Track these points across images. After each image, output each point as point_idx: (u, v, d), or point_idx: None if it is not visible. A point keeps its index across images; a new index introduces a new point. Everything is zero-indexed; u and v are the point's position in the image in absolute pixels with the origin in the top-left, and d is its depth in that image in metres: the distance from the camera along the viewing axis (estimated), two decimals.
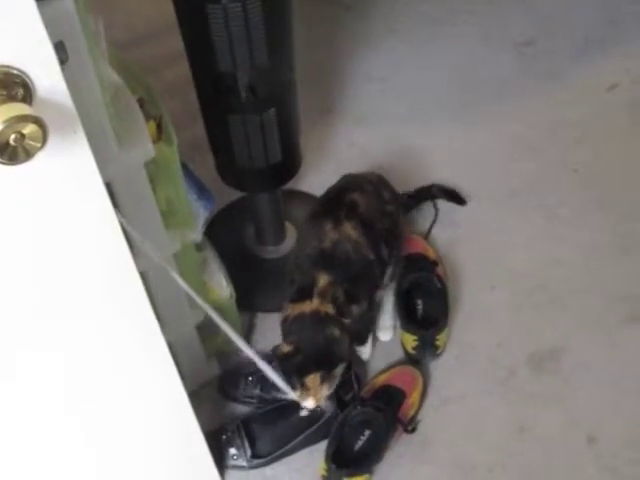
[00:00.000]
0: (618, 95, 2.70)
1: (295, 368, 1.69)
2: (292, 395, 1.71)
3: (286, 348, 1.71)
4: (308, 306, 1.74)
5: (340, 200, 1.92)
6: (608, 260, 2.23)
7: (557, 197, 2.39)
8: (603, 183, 2.42)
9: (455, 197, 2.35)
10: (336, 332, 1.73)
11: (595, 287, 2.16)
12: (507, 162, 2.51)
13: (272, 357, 1.74)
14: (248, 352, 1.57)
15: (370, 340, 2.02)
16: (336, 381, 1.74)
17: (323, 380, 1.69)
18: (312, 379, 1.69)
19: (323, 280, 1.76)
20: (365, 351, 2.03)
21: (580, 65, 2.81)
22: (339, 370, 1.73)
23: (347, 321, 1.75)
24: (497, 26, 2.98)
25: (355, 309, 1.80)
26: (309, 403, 1.71)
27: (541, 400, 1.96)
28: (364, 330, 2.00)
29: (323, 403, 1.75)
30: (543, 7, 3.04)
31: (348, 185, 2.00)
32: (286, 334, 1.77)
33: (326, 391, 1.72)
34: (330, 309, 1.74)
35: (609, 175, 2.45)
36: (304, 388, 1.69)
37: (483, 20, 3.01)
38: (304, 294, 1.76)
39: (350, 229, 1.84)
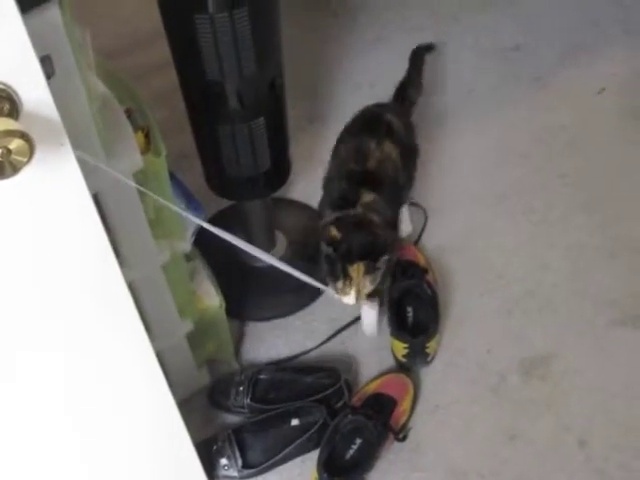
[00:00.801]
0: (606, 99, 2.71)
1: (340, 256, 1.73)
2: (329, 290, 1.78)
3: (334, 232, 1.75)
4: (352, 211, 1.82)
5: (379, 119, 2.08)
6: (596, 264, 2.23)
7: (545, 202, 2.40)
8: (591, 187, 2.43)
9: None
10: (380, 230, 1.80)
11: (584, 291, 2.17)
12: (495, 167, 2.51)
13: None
14: (267, 258, 1.61)
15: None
16: (378, 277, 1.78)
17: (367, 271, 1.73)
18: (356, 268, 1.73)
19: (367, 197, 1.85)
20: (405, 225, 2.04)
21: (567, 70, 2.82)
22: (382, 264, 1.76)
23: (391, 236, 1.84)
24: (484, 32, 2.99)
25: (392, 222, 1.92)
26: (350, 297, 1.72)
27: (532, 406, 1.96)
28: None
29: (363, 300, 1.80)
30: (530, 13, 3.05)
31: (382, 107, 2.18)
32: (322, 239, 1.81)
33: (368, 285, 1.75)
34: (375, 217, 1.82)
35: (597, 179, 2.46)
36: (347, 278, 1.72)
37: (470, 26, 3.02)
38: (348, 203, 1.84)
39: (391, 148, 1.98)
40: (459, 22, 3.04)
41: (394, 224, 1.88)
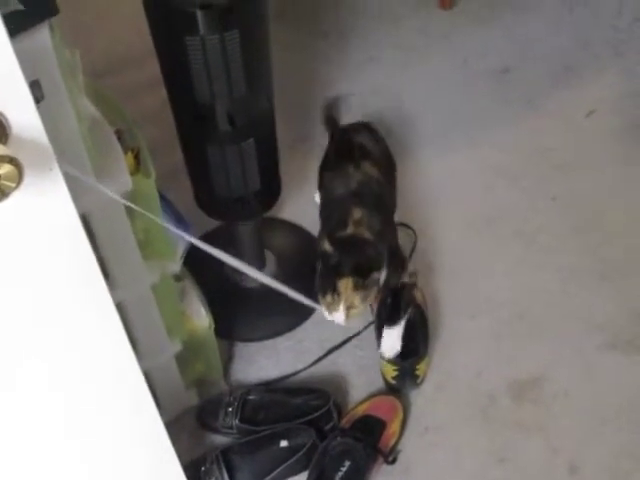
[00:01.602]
0: (596, 121, 2.72)
1: (329, 269, 1.75)
2: (318, 306, 1.77)
3: (327, 246, 1.76)
4: (344, 232, 1.84)
5: (350, 143, 2.11)
6: (587, 287, 2.23)
7: (535, 224, 2.40)
8: (581, 210, 2.43)
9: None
10: (372, 248, 1.81)
11: (574, 314, 2.17)
12: (485, 190, 2.51)
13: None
14: (258, 275, 1.64)
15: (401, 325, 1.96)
16: (370, 295, 1.77)
17: (356, 287, 1.72)
18: (344, 283, 1.73)
19: (357, 213, 1.86)
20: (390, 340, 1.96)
21: (557, 92, 2.82)
22: (372, 281, 1.75)
23: (383, 247, 1.83)
24: (474, 53, 2.99)
25: (388, 236, 1.91)
26: (339, 314, 1.72)
27: (522, 429, 1.95)
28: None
29: (352, 319, 1.78)
30: (520, 35, 3.06)
31: (350, 130, 2.22)
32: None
33: (358, 302, 1.75)
34: (366, 234, 1.83)
35: (587, 202, 2.46)
36: (336, 293, 1.72)
37: (460, 48, 3.02)
38: (340, 225, 1.86)
39: (371, 168, 2.01)
40: (450, 43, 3.05)
41: (385, 238, 1.88)
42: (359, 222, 1.85)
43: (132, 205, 1.34)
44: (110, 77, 2.47)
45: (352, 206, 1.88)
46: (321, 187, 2.12)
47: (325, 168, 2.14)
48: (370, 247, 1.81)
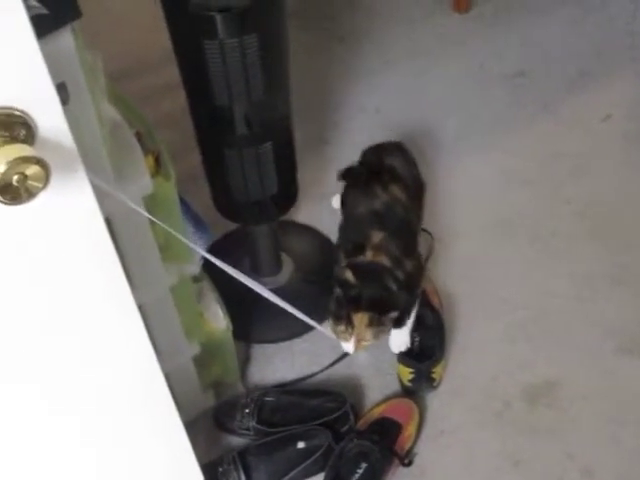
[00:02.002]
0: (611, 126, 2.72)
1: (348, 301, 1.73)
2: (330, 333, 1.78)
3: (349, 275, 1.75)
4: (362, 259, 1.82)
5: (381, 164, 2.07)
6: (602, 291, 2.23)
7: (550, 229, 2.40)
8: (596, 214, 2.43)
9: None
10: (391, 283, 1.79)
11: (589, 319, 2.16)
12: (500, 194, 2.52)
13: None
14: (266, 293, 1.62)
15: (408, 325, 1.95)
16: (383, 332, 1.77)
17: (371, 323, 1.72)
18: (360, 317, 1.73)
19: (376, 237, 1.84)
20: (399, 338, 1.96)
21: (573, 97, 2.83)
22: (388, 320, 1.75)
23: (401, 276, 1.81)
24: (490, 58, 3.00)
25: (408, 264, 1.87)
26: (349, 345, 1.72)
27: (536, 433, 1.95)
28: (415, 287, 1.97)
29: (361, 349, 1.79)
30: (536, 39, 3.06)
31: (382, 151, 2.16)
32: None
33: (370, 337, 1.75)
34: (386, 261, 1.80)
35: (602, 206, 2.46)
36: (349, 324, 1.72)
37: (475, 51, 3.03)
38: (358, 249, 1.84)
39: (397, 190, 1.97)
40: (465, 47, 3.06)
41: (405, 265, 1.87)
42: (378, 247, 1.84)
43: (144, 212, 1.35)
44: (128, 81, 2.47)
45: (372, 229, 1.88)
46: (344, 203, 2.10)
47: (352, 185, 2.11)
48: (390, 279, 1.81)
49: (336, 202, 2.13)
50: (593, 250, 2.33)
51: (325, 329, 1.76)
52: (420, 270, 1.98)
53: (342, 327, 1.72)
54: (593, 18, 3.14)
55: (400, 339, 1.95)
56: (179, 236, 1.39)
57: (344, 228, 2.01)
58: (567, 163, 2.59)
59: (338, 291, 1.76)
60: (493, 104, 2.83)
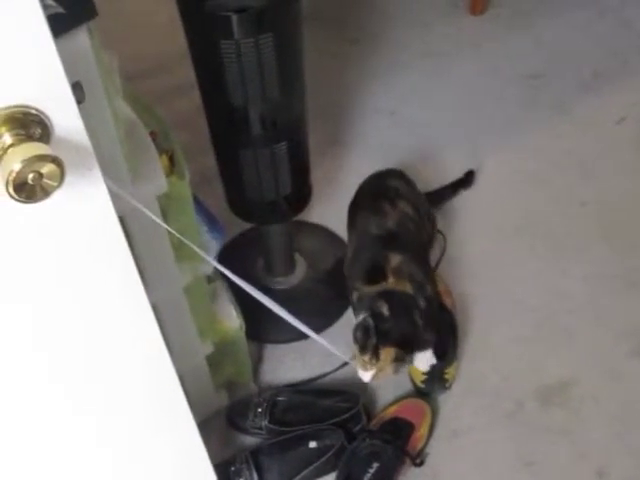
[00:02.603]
0: (626, 128, 2.72)
1: (380, 332, 1.71)
2: (351, 361, 1.76)
3: (385, 309, 1.73)
4: (384, 286, 1.79)
5: (385, 185, 2.07)
6: (614, 293, 2.23)
7: (564, 230, 2.40)
8: (610, 216, 2.43)
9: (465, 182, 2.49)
10: (418, 318, 1.78)
11: (602, 320, 2.16)
12: (514, 195, 2.52)
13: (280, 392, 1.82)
14: (294, 322, 1.59)
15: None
16: (402, 368, 1.77)
17: (396, 359, 1.71)
18: (387, 351, 1.71)
19: (395, 259, 1.83)
20: (425, 357, 1.93)
21: (588, 98, 2.82)
22: (411, 359, 1.75)
23: (423, 304, 1.79)
24: (504, 59, 3.00)
25: (428, 289, 1.86)
26: (367, 375, 1.72)
27: (549, 434, 1.95)
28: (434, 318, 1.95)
29: (374, 380, 1.77)
30: (550, 40, 3.06)
31: (383, 174, 2.15)
32: (363, 309, 1.79)
33: (390, 372, 1.74)
34: (409, 288, 1.79)
35: (616, 208, 2.46)
36: (375, 356, 1.70)
37: (490, 53, 3.03)
38: (378, 274, 1.82)
39: (406, 206, 1.97)
40: (480, 48, 3.06)
41: (425, 285, 1.87)
42: (398, 271, 1.83)
43: (151, 214, 1.35)
44: (142, 81, 2.49)
45: (389, 251, 1.87)
46: (353, 230, 2.07)
47: (356, 214, 2.08)
48: (416, 311, 1.79)
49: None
50: (607, 252, 2.33)
51: (323, 340, 1.75)
52: (436, 294, 1.97)
53: (367, 357, 1.71)
54: (608, 20, 3.13)
55: (425, 360, 1.94)
56: (184, 239, 1.40)
57: (357, 251, 1.98)
58: (581, 165, 2.59)
59: (370, 321, 1.73)
60: (508, 105, 2.83)
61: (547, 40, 3.07)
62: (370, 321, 1.73)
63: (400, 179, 2.14)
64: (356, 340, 1.74)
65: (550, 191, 2.52)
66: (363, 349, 1.71)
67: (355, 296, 1.86)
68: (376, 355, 1.70)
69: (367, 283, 1.84)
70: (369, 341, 1.71)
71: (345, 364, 2.07)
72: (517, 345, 2.13)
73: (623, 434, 1.94)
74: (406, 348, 1.73)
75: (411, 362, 1.78)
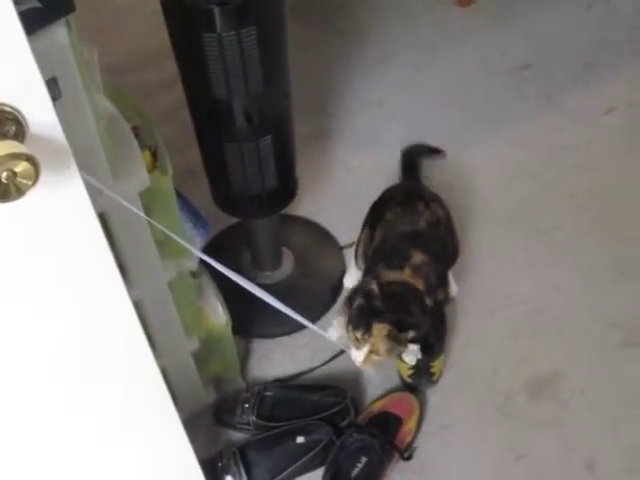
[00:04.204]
0: (615, 119, 2.71)
1: (371, 309, 1.71)
2: (324, 333, 1.77)
3: (374, 287, 1.72)
4: (399, 275, 1.79)
5: (422, 187, 2.12)
6: (605, 285, 2.22)
7: (554, 222, 2.39)
8: (600, 207, 2.43)
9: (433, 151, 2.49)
10: (417, 309, 1.77)
11: (592, 312, 2.16)
12: (504, 186, 2.51)
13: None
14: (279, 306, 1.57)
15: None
16: (395, 350, 1.75)
17: (389, 334, 1.70)
18: (380, 327, 1.69)
19: (417, 257, 1.82)
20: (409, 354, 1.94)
21: (577, 89, 2.81)
22: (405, 337, 1.73)
23: (430, 303, 1.79)
24: (494, 50, 2.99)
25: (440, 293, 1.85)
26: (359, 353, 1.71)
27: (538, 426, 1.95)
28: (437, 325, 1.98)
29: (367, 363, 1.75)
30: (540, 32, 3.05)
31: (420, 183, 2.20)
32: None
33: (383, 350, 1.72)
34: (420, 284, 1.79)
35: (606, 199, 2.45)
36: (368, 332, 1.69)
37: (480, 44, 3.02)
38: (397, 263, 1.82)
39: (440, 211, 1.98)
40: (469, 39, 3.05)
41: (437, 289, 1.86)
42: (417, 268, 1.82)
43: (137, 211, 1.34)
44: (127, 76, 2.48)
45: (414, 248, 1.85)
46: (379, 220, 2.04)
47: (391, 201, 2.05)
48: (417, 305, 1.79)
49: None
50: (597, 243, 2.32)
51: (319, 328, 1.74)
52: (447, 300, 1.96)
53: (360, 333, 1.71)
54: (597, 11, 3.12)
55: (412, 352, 1.94)
56: (168, 232, 1.39)
57: (382, 243, 1.95)
58: (571, 156, 2.58)
59: (362, 301, 1.74)
60: (497, 97, 2.82)
61: (536, 31, 3.06)
62: (362, 301, 1.74)
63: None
64: (349, 320, 1.75)
65: (540, 182, 2.51)
66: (356, 325, 1.70)
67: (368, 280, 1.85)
68: (369, 330, 1.69)
69: (386, 265, 1.84)
70: (362, 319, 1.71)
71: (332, 358, 2.07)
72: (506, 338, 2.12)
73: (613, 426, 1.94)
74: (399, 328, 1.72)
75: (405, 344, 1.77)
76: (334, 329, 1.90)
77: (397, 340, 1.72)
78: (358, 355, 1.72)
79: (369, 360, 1.73)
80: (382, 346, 1.71)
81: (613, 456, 1.89)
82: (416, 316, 1.76)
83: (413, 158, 2.40)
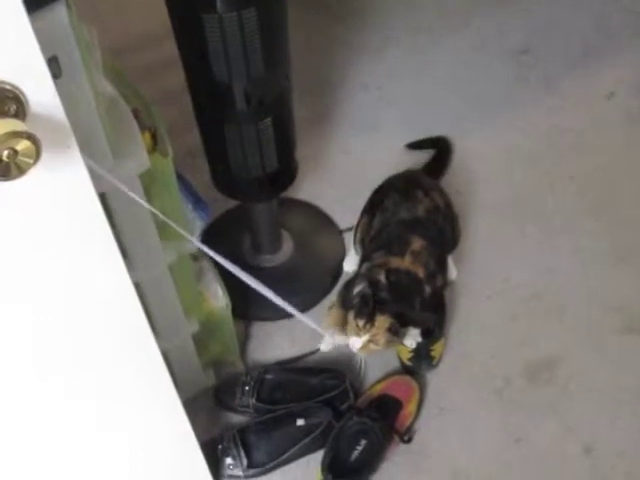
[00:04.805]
0: (615, 103, 2.70)
1: (379, 299, 1.71)
2: (312, 323, 1.75)
3: (382, 278, 1.74)
4: (400, 262, 1.80)
5: (421, 176, 2.13)
6: (603, 269, 2.22)
7: (553, 206, 2.39)
8: (599, 191, 2.42)
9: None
10: (417, 302, 1.78)
11: (590, 296, 2.16)
12: (503, 170, 2.51)
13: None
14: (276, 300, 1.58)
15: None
16: (393, 343, 1.76)
17: (390, 329, 1.70)
18: (383, 320, 1.70)
19: (417, 243, 1.83)
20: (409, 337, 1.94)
21: (577, 74, 2.81)
22: (405, 332, 1.74)
23: (428, 291, 1.80)
24: (493, 34, 2.98)
25: (439, 280, 1.87)
26: (358, 342, 1.71)
27: (537, 410, 1.95)
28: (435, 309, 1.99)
29: (363, 351, 1.75)
30: (540, 16, 3.04)
31: (420, 173, 2.20)
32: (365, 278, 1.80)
33: (382, 341, 1.72)
34: (421, 272, 1.80)
35: (605, 183, 2.45)
36: (370, 322, 1.70)
37: (479, 29, 3.01)
38: (397, 250, 1.83)
39: (439, 199, 1.98)
40: (468, 24, 3.03)
41: (437, 275, 1.87)
42: (417, 254, 1.83)
43: (132, 195, 1.34)
44: (126, 57, 2.45)
45: (413, 234, 1.86)
46: (377, 207, 2.04)
47: (390, 189, 2.06)
48: (418, 297, 1.80)
49: (349, 266, 2.11)
50: (596, 227, 2.32)
51: (308, 318, 1.74)
52: (446, 285, 1.98)
53: (361, 323, 1.71)
54: None
55: (412, 335, 1.94)
56: (166, 219, 1.38)
57: (381, 230, 1.96)
58: (570, 140, 2.58)
59: (367, 289, 1.74)
60: (496, 81, 2.81)
61: (536, 15, 3.05)
62: (367, 289, 1.74)
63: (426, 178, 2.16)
64: (352, 306, 1.75)
65: (539, 167, 2.51)
66: (359, 314, 1.70)
67: (365, 267, 1.85)
68: (371, 321, 1.69)
69: (384, 252, 1.84)
70: (366, 307, 1.71)
71: None
72: (505, 322, 2.13)
73: (610, 410, 1.94)
74: (401, 322, 1.72)
75: (403, 338, 1.77)
76: (326, 343, 1.91)
77: (397, 334, 1.72)
78: (356, 342, 1.72)
79: (366, 349, 1.73)
80: (382, 338, 1.71)
81: (610, 440, 1.90)
82: (416, 312, 1.77)
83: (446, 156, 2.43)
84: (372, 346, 1.73)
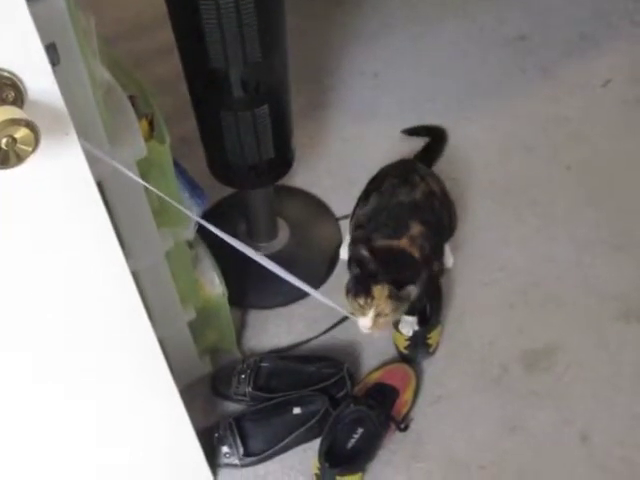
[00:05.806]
0: (611, 91, 2.70)
1: (366, 274, 1.72)
2: (348, 313, 1.76)
3: (364, 252, 1.74)
4: (397, 243, 1.81)
5: (418, 164, 2.12)
6: (601, 258, 2.22)
7: (550, 194, 2.39)
8: (596, 180, 2.42)
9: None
10: (409, 263, 1.79)
11: (588, 285, 2.16)
12: (500, 158, 2.50)
13: None
14: (260, 259, 1.57)
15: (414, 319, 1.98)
16: (400, 308, 1.75)
17: (390, 295, 1.70)
18: (379, 289, 1.70)
19: (416, 229, 1.84)
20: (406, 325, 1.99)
21: (574, 61, 2.81)
22: (406, 293, 1.73)
23: (425, 275, 1.79)
24: (490, 21, 2.98)
25: (435, 265, 1.89)
26: (366, 319, 1.71)
27: (534, 398, 1.95)
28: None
29: (376, 327, 1.75)
30: (537, 3, 3.04)
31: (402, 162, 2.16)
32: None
33: (389, 311, 1.72)
34: (416, 252, 1.81)
35: (602, 172, 2.45)
36: (369, 296, 1.70)
37: (476, 15, 3.01)
38: (394, 234, 1.83)
39: (435, 185, 2.00)
40: (465, 11, 3.03)
41: (432, 261, 1.88)
42: (414, 239, 1.83)
43: (135, 177, 1.33)
44: (122, 44, 2.45)
45: (411, 219, 1.86)
46: (375, 190, 2.03)
47: (387, 175, 2.06)
48: (412, 266, 1.79)
49: (345, 254, 2.09)
50: (593, 216, 2.32)
51: (321, 295, 1.74)
52: (442, 272, 1.99)
53: (362, 300, 1.70)
54: None
55: (409, 325, 1.97)
56: (170, 200, 1.38)
57: (378, 210, 1.95)
58: (567, 128, 2.58)
59: (356, 270, 1.75)
60: (493, 68, 2.81)
61: (532, 3, 3.05)
62: (357, 270, 1.75)
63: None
64: (349, 290, 1.75)
65: (536, 155, 2.51)
66: (356, 294, 1.71)
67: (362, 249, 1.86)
68: (370, 294, 1.69)
69: (383, 238, 1.84)
70: (360, 285, 1.72)
71: (329, 329, 2.07)
72: (503, 310, 2.12)
73: (607, 399, 1.94)
74: (397, 285, 1.72)
75: (408, 300, 1.76)
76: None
77: (399, 298, 1.72)
78: (366, 321, 1.72)
79: (377, 324, 1.73)
80: (387, 307, 1.71)
81: (608, 428, 1.90)
82: (410, 270, 1.77)
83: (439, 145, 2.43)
84: (381, 320, 1.73)
